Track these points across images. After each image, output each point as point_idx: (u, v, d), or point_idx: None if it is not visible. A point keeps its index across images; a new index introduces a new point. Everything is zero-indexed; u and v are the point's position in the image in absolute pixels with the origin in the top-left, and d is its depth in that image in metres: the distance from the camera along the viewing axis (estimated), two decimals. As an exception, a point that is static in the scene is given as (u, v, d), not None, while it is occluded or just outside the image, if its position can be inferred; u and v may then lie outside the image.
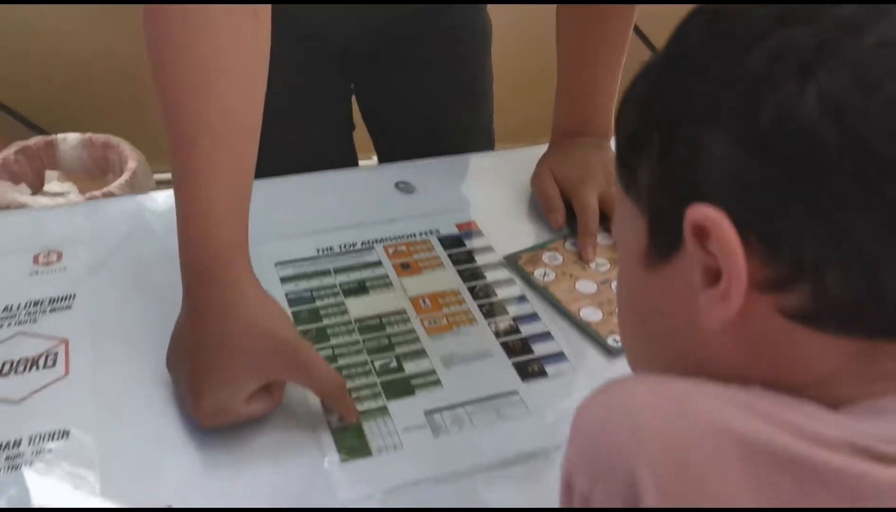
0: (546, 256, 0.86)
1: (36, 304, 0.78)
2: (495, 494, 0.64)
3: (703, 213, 0.37)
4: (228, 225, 0.65)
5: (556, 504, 0.64)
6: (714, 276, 0.38)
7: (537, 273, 0.84)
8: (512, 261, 0.86)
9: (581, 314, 0.79)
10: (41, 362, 0.72)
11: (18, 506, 0.61)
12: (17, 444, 0.65)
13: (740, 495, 0.35)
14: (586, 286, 0.83)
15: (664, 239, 0.41)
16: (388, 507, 0.62)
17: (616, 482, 0.36)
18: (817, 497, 0.35)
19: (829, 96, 0.34)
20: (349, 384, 0.71)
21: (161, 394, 0.70)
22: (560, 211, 0.89)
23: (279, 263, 0.84)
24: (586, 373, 0.74)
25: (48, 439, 0.66)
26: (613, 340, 0.76)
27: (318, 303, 0.80)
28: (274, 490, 0.63)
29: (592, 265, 0.85)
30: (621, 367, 0.74)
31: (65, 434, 0.66)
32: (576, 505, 0.39)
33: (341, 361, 0.74)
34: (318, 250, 0.86)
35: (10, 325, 0.76)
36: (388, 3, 0.98)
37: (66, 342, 0.75)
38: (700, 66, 0.39)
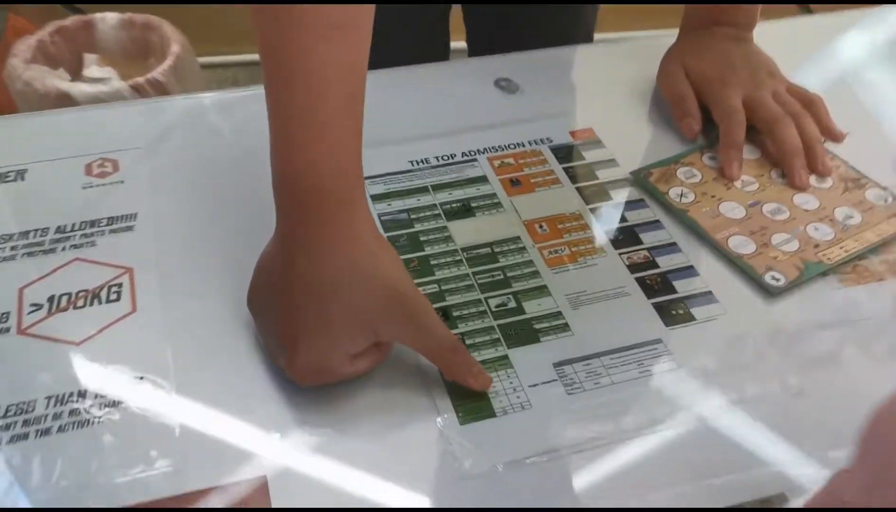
0: (681, 173, 0.73)
1: (93, 224, 0.68)
2: (641, 466, 0.53)
3: None
4: (347, 144, 0.53)
5: (709, 475, 0.54)
6: None
7: (672, 193, 0.71)
8: (640, 178, 0.73)
9: (730, 244, 0.67)
10: (103, 296, 0.62)
11: (80, 471, 0.52)
12: (83, 395, 0.56)
13: None
14: (733, 209, 0.70)
15: None
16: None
17: None
18: None
19: None
20: (461, 328, 0.61)
21: (244, 337, 0.60)
22: (695, 116, 0.76)
23: (368, 178, 0.72)
24: (742, 317, 0.62)
25: (117, 389, 0.56)
26: (772, 278, 0.64)
27: (418, 227, 0.68)
28: (381, 458, 0.53)
29: (738, 184, 0.72)
30: (784, 309, 0.63)
31: (138, 382, 0.57)
32: None
33: (450, 299, 0.63)
34: (413, 163, 0.74)
35: (64, 249, 0.66)
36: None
37: (130, 272, 0.64)
38: None
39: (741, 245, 0.67)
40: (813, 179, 0.72)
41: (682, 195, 0.71)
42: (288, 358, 0.54)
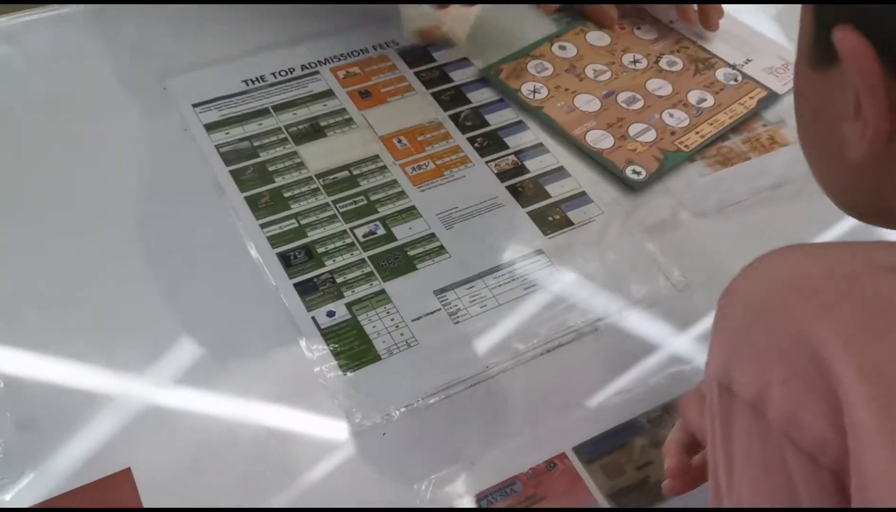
0: (532, 66, 0.69)
1: None
2: (542, 389, 0.51)
3: (846, 37, 0.32)
4: None
5: (611, 391, 0.52)
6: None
7: (525, 89, 0.67)
8: (490, 75, 0.68)
9: (588, 140, 0.64)
10: None
11: None
12: None
13: None
14: (588, 102, 0.66)
15: (824, 46, 0.35)
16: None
17: (798, 363, 0.30)
18: None
19: None
20: (329, 265, 0.55)
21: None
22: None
23: (199, 105, 0.63)
24: (620, 215, 0.60)
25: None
26: (633, 172, 0.61)
27: (263, 155, 0.61)
28: (258, 432, 0.48)
29: (590, 73, 0.68)
30: (657, 201, 0.61)
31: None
32: (737, 414, 0.32)
33: (312, 234, 0.56)
34: (247, 82, 0.66)
35: None
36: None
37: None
38: None
39: (599, 140, 0.63)
40: (664, 63, 0.70)
41: (535, 91, 0.67)
42: None
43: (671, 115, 0.66)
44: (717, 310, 0.34)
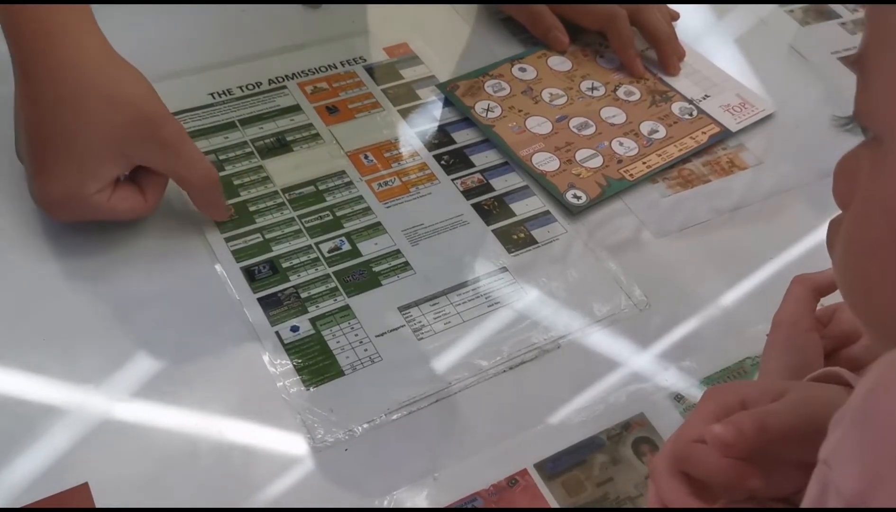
0: (489, 85, 0.69)
1: None
2: (503, 406, 0.51)
3: None
4: None
5: (571, 408, 0.52)
6: None
7: (479, 107, 0.67)
8: (446, 92, 0.68)
9: (533, 161, 0.64)
10: None
11: None
12: None
13: None
14: (539, 124, 0.67)
15: None
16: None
17: None
18: None
19: None
20: (294, 280, 0.55)
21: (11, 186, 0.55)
22: (560, 27, 0.72)
23: (164, 117, 0.63)
24: (583, 234, 0.60)
25: None
26: (574, 196, 0.62)
27: (229, 169, 0.61)
28: (221, 447, 0.48)
29: (546, 97, 0.69)
30: (619, 221, 0.62)
31: None
32: None
33: (277, 249, 0.56)
34: (214, 95, 0.66)
35: None
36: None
37: None
38: None
39: (545, 162, 0.64)
40: (622, 92, 0.71)
41: (488, 109, 0.67)
42: (37, 185, 0.51)
43: (621, 144, 0.66)
44: (860, 401, 0.27)
